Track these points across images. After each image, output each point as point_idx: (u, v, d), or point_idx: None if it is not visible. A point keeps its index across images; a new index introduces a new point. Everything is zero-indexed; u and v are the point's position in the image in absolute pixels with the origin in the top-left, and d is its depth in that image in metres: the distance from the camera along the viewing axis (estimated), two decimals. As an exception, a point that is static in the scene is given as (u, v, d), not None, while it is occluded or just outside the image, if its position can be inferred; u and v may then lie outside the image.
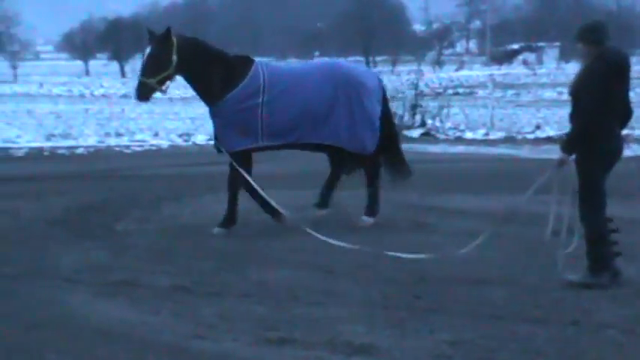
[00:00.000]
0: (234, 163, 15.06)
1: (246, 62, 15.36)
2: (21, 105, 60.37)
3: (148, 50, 14.86)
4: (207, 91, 15.15)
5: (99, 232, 15.69)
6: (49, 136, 35.23)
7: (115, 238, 15.30)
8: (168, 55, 14.55)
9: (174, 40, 14.71)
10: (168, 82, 15.01)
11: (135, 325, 10.15)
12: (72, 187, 20.04)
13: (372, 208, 16.26)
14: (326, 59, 20.08)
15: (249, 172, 15.32)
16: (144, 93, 14.94)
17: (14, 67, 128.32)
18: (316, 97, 15.34)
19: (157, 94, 15.54)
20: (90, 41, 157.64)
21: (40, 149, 33.64)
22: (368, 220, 16.09)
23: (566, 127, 37.83)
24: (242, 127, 14.99)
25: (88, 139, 37.23)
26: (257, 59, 15.73)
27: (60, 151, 32.45)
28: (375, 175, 16.35)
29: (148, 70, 14.69)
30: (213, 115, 15.29)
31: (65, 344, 9.43)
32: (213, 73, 15.06)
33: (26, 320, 10.17)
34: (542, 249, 12.46)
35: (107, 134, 39.41)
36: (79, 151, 33.92)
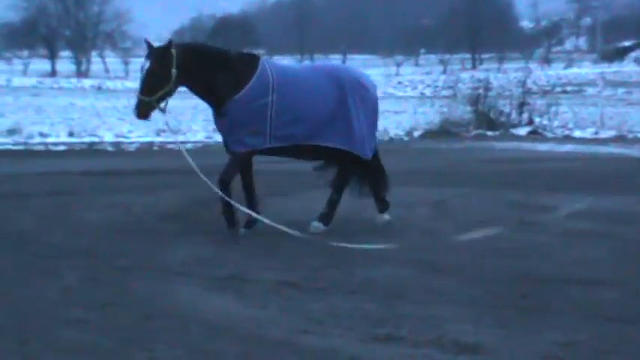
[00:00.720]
0: (234, 161, 14.62)
1: (252, 60, 14.74)
2: (132, 100, 60.51)
3: (146, 66, 13.82)
4: (212, 96, 14.49)
5: (208, 227, 15.77)
6: (159, 131, 35.37)
7: (224, 233, 15.36)
8: (167, 70, 13.77)
9: (174, 52, 13.88)
10: (167, 99, 14.26)
11: (242, 318, 10.15)
12: (182, 181, 20.09)
13: (329, 216, 15.61)
14: (326, 62, 19.40)
15: (239, 173, 15.00)
16: (144, 112, 14.12)
17: (126, 64, 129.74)
18: (323, 99, 14.88)
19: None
20: (199, 38, 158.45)
21: (151, 144, 33.98)
22: (318, 225, 15.38)
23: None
24: (252, 127, 14.29)
25: (197, 134, 37.48)
26: (263, 57, 15.20)
27: (169, 146, 32.67)
28: (347, 183, 15.95)
29: (146, 88, 13.85)
30: (221, 115, 14.47)
31: (175, 336, 9.47)
32: (217, 76, 14.33)
33: (140, 311, 10.24)
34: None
35: (214, 130, 39.53)
36: (188, 146, 34.14)
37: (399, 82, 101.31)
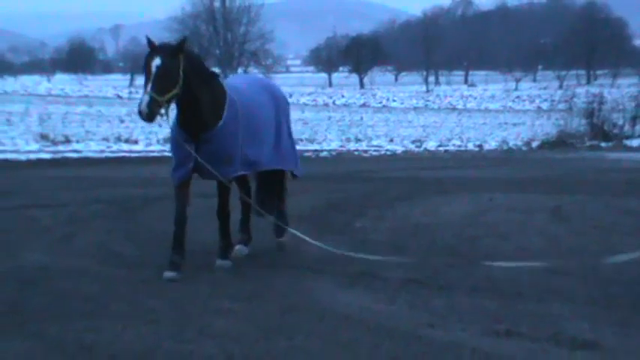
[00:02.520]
0: (223, 188, 12.45)
1: (219, 84, 12.32)
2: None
3: (156, 61, 11.14)
4: (202, 117, 11.79)
5: (339, 228, 15.80)
6: (297, 140, 35.56)
7: (354, 233, 15.35)
8: (177, 71, 11.29)
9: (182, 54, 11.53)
10: (170, 105, 11.55)
11: (373, 312, 10.10)
12: (317, 186, 20.17)
13: (284, 229, 13.73)
14: (255, 73, 15.36)
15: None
16: (154, 111, 11.19)
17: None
18: (270, 120, 13.16)
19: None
20: (333, 56, 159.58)
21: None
22: (283, 240, 13.82)
23: None
24: (229, 156, 12.00)
25: (332, 143, 37.66)
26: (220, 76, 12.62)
27: (306, 154, 32.84)
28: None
29: (158, 86, 11.12)
30: (204, 142, 11.79)
31: (312, 327, 9.47)
32: (202, 97, 11.80)
33: (281, 305, 10.27)
34: None
35: (347, 139, 39.74)
36: (323, 154, 34.32)
37: (518, 97, 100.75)
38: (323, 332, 9.35)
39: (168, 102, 11.27)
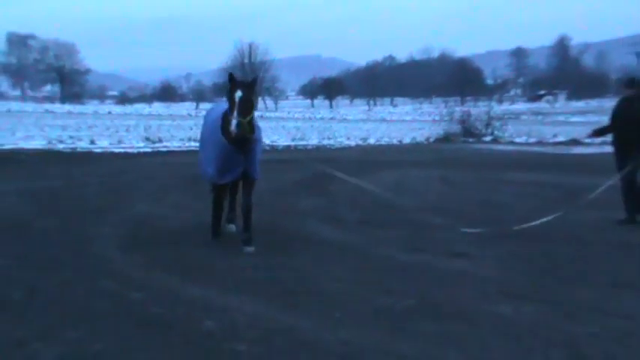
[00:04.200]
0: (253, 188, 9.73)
1: None
2: (280, 122, 61.24)
3: (239, 94, 9.08)
4: (253, 134, 9.37)
5: (320, 190, 15.60)
6: (292, 139, 35.25)
7: (329, 193, 15.20)
8: (255, 98, 9.48)
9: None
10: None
11: (340, 239, 10.00)
12: (305, 165, 19.96)
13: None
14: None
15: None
16: (243, 129, 8.88)
17: (276, 103, 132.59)
18: None
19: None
20: (314, 89, 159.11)
21: (288, 146, 33.94)
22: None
23: (569, 135, 36.73)
24: (258, 161, 9.74)
25: (314, 140, 37.29)
26: None
27: (299, 147, 32.64)
28: None
29: (243, 112, 8.95)
30: (255, 146, 9.55)
31: (303, 248, 9.34)
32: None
33: (286, 237, 10.13)
34: None
35: (323, 138, 39.46)
36: (309, 147, 33.97)
37: (421, 113, 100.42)
38: (311, 250, 9.32)
39: (250, 121, 9.11)
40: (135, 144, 32.02)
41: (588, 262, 8.68)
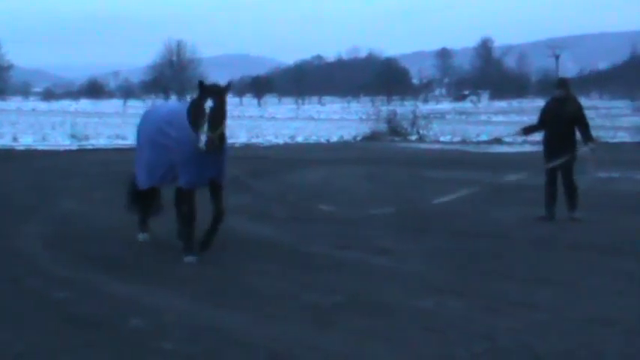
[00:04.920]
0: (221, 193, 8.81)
1: None
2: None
3: (210, 104, 8.06)
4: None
5: (248, 188, 15.62)
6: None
7: (256, 190, 15.23)
8: (225, 109, 8.34)
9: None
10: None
11: (266, 235, 10.04)
12: (234, 163, 19.96)
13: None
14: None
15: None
16: (211, 147, 8.01)
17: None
18: None
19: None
20: (243, 88, 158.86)
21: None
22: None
23: (492, 134, 37.47)
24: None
25: (242, 138, 37.12)
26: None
27: (228, 145, 32.45)
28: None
29: (213, 125, 8.02)
30: (223, 153, 8.55)
31: (232, 245, 9.33)
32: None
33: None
34: None
35: (252, 136, 39.36)
36: (237, 145, 33.85)
37: (349, 112, 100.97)
38: (240, 247, 9.29)
39: (220, 135, 8.25)
40: (60, 141, 31.39)
41: (509, 258, 8.89)
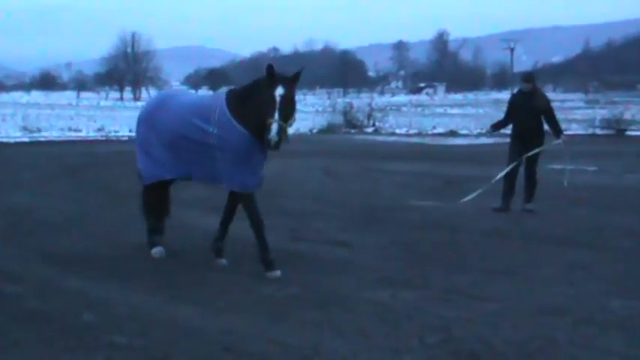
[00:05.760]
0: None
1: None
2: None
3: (280, 91, 7.15)
4: None
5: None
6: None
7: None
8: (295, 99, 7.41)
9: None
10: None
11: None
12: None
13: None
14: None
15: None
16: (285, 138, 7.17)
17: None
18: None
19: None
20: (199, 80, 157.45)
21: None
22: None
23: (448, 127, 37.92)
24: None
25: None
26: None
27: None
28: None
29: (285, 115, 7.16)
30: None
31: (180, 236, 9.31)
32: None
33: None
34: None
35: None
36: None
37: (305, 104, 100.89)
38: (194, 240, 9.19)
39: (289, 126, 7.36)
40: (12, 133, 30.98)
41: (463, 249, 8.97)
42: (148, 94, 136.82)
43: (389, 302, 6.63)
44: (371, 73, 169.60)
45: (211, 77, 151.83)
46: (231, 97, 7.60)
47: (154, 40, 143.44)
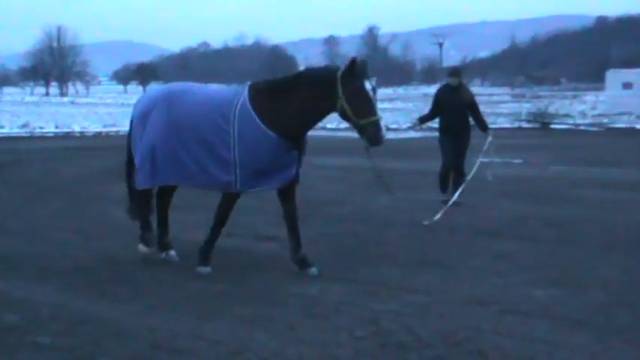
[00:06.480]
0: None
1: None
2: (92, 108, 59.15)
3: (369, 86, 6.93)
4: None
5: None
6: (109, 125, 33.97)
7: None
8: None
9: None
10: None
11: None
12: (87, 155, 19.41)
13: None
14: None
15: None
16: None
17: (87, 89, 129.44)
18: None
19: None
20: (128, 75, 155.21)
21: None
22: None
23: (386, 119, 38.39)
24: None
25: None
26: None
27: (111, 134, 31.60)
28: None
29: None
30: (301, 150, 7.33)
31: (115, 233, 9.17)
32: None
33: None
34: None
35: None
36: (120, 133, 33.05)
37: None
38: (121, 237, 9.00)
39: None
40: None
41: (392, 242, 9.06)
42: (75, 89, 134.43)
43: (318, 296, 6.65)
44: (302, 68, 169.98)
45: (140, 72, 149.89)
46: (256, 93, 7.06)
47: (80, 34, 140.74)
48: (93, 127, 35.04)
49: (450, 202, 10.90)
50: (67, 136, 31.24)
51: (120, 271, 7.56)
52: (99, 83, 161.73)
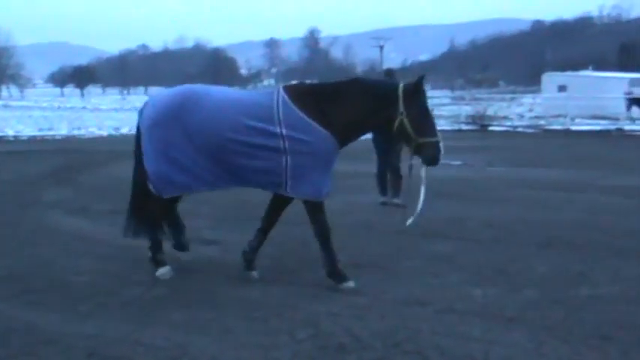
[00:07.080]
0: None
1: None
2: (26, 111, 57.96)
3: (427, 104, 7.12)
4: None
5: (70, 180, 15.03)
6: (40, 130, 33.44)
7: (79, 183, 14.67)
8: None
9: None
10: None
11: (81, 228, 9.75)
12: (53, 155, 19.00)
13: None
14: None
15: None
16: None
17: (22, 92, 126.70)
18: None
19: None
20: (65, 78, 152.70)
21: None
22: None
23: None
24: None
25: (63, 131, 35.75)
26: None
27: (46, 138, 31.05)
28: None
29: None
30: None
31: (51, 239, 9.02)
32: None
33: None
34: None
35: (73, 128, 37.91)
36: (57, 137, 32.43)
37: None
38: (57, 243, 8.95)
39: None
40: None
41: (333, 244, 9.06)
42: (9, 92, 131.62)
43: (258, 299, 6.65)
44: (243, 71, 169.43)
45: (78, 75, 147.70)
46: (298, 94, 6.80)
47: (13, 35, 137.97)
48: (27, 131, 34.36)
49: (419, 208, 11.05)
50: (0, 140, 30.58)
51: (55, 277, 7.44)
52: (34, 86, 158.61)
